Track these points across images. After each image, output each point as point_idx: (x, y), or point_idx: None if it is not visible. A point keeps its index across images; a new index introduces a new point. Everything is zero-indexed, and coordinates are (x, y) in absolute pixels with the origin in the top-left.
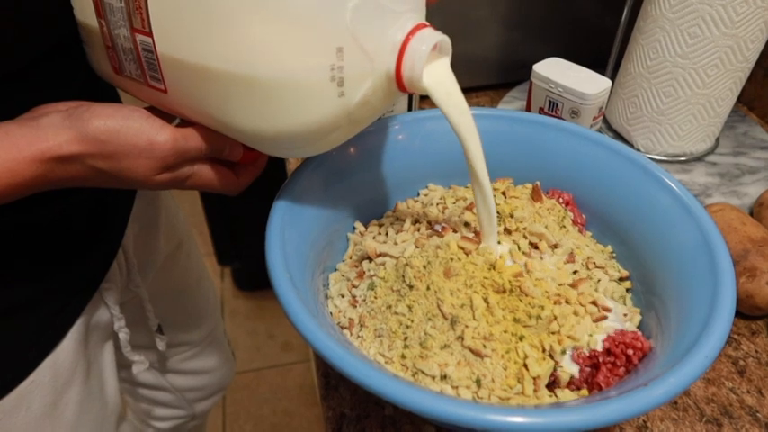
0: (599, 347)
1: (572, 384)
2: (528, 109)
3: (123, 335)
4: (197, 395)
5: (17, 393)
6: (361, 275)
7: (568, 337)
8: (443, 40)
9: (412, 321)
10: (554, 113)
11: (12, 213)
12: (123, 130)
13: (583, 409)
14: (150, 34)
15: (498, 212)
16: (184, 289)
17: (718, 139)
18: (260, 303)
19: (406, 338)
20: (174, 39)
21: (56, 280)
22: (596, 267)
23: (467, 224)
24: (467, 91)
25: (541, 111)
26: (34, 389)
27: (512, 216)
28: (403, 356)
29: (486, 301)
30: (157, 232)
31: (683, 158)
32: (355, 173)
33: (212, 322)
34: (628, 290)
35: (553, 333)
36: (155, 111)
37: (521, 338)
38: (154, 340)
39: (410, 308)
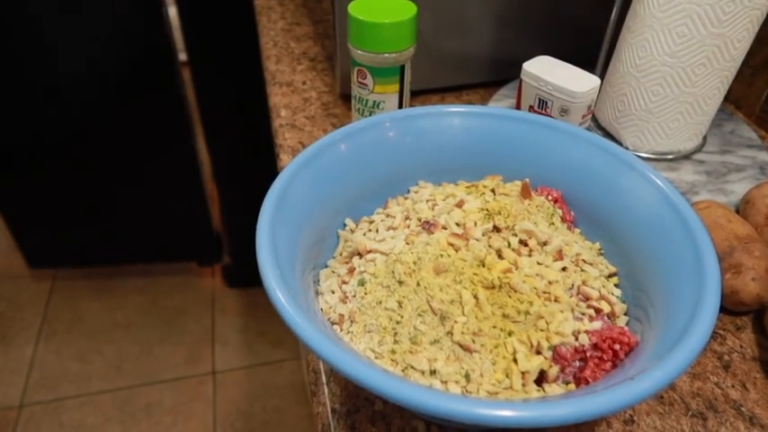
0: (586, 343)
1: (558, 379)
2: (518, 107)
3: None
4: None
5: None
6: (351, 272)
7: (556, 333)
8: None
9: (402, 317)
10: (544, 111)
11: None
12: None
13: (570, 402)
14: None
15: (488, 210)
16: None
17: (705, 138)
18: (250, 300)
19: (395, 334)
20: None
21: None
22: (585, 264)
23: (456, 221)
24: (458, 89)
25: (531, 109)
26: None
27: (501, 213)
28: (393, 352)
29: (475, 297)
30: None
31: (670, 156)
32: (346, 170)
33: None
34: (615, 285)
35: (541, 330)
36: None
37: (509, 334)
38: None
39: (400, 304)
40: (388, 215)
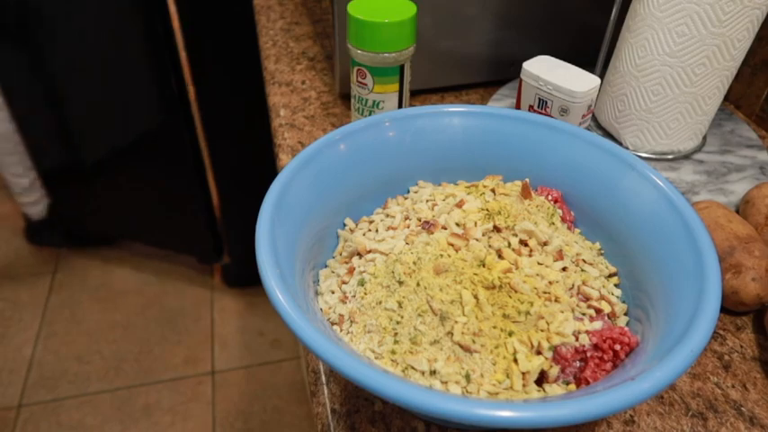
0: (587, 343)
1: (558, 379)
2: (518, 107)
3: None
4: None
5: None
6: (351, 272)
7: (556, 333)
8: None
9: (402, 317)
10: (543, 111)
11: None
12: None
13: (571, 403)
14: None
15: (488, 210)
16: None
17: (705, 138)
18: (249, 300)
19: (395, 334)
20: None
21: None
22: (585, 264)
23: (456, 221)
24: (457, 88)
25: (531, 108)
26: None
27: (501, 213)
28: (393, 352)
29: (475, 297)
30: None
31: (670, 156)
32: (345, 169)
33: None
34: (616, 286)
35: (542, 330)
36: None
37: (510, 334)
38: None
39: (400, 304)
40: (387, 215)
